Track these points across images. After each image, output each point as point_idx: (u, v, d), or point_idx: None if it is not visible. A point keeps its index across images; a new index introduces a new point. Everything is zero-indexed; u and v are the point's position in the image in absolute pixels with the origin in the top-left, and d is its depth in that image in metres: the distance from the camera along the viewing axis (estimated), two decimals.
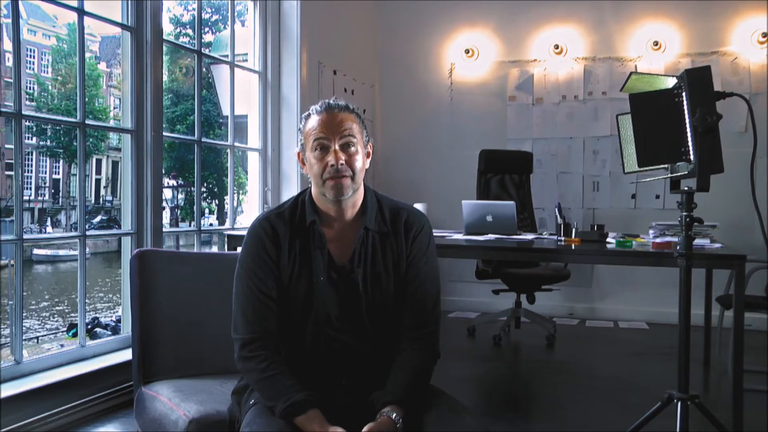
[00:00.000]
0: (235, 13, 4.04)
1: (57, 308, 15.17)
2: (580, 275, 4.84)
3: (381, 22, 5.57)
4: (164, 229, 3.26)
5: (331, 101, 1.54)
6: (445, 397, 1.52)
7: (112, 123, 18.59)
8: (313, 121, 1.53)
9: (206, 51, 4.14)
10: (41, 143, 22.23)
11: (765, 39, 4.74)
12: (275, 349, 1.51)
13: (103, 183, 24.38)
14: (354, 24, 5.19)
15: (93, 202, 23.12)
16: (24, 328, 3.02)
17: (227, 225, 4.11)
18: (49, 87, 22.52)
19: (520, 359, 4.24)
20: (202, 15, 6.28)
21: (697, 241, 2.44)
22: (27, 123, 12.44)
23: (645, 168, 2.05)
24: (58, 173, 23.04)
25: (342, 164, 1.48)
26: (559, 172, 5.22)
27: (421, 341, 1.53)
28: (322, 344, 1.52)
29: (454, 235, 3.19)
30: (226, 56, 3.95)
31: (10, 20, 2.56)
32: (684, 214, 2.09)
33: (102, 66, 23.97)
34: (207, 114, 18.31)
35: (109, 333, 8.49)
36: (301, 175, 4.17)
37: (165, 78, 3.44)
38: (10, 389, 2.43)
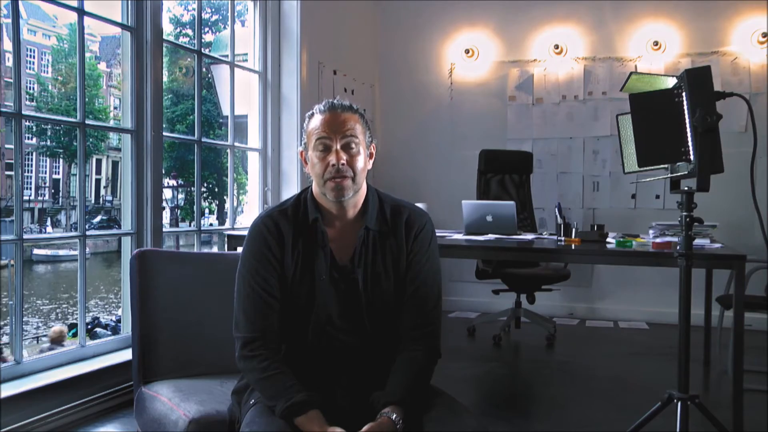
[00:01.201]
0: (235, 13, 4.04)
1: (57, 308, 15.17)
2: (580, 275, 4.84)
3: (381, 22, 5.57)
4: (164, 229, 3.26)
5: (335, 101, 1.54)
6: (445, 397, 1.52)
7: (112, 123, 18.59)
8: (316, 120, 1.53)
9: (206, 51, 4.14)
10: (41, 143, 22.23)
11: (765, 39, 4.74)
12: (276, 349, 1.51)
13: (103, 183, 24.39)
14: (354, 24, 5.19)
15: (93, 202, 23.13)
16: (24, 328, 3.02)
17: (227, 225, 4.11)
18: (49, 87, 22.53)
19: (520, 359, 4.24)
20: (202, 15, 6.28)
21: (697, 241, 2.45)
22: (27, 123, 12.43)
23: (645, 168, 2.05)
24: (58, 173, 23.05)
25: (343, 164, 1.48)
26: (559, 172, 5.22)
27: (422, 341, 1.53)
28: (322, 343, 1.52)
29: (454, 235, 3.19)
30: (226, 56, 3.94)
31: (10, 20, 2.56)
32: (684, 214, 2.09)
33: (102, 66, 23.98)
34: (207, 114, 18.31)
35: (109, 333, 8.51)
36: (302, 175, 4.17)
37: (165, 78, 3.44)
38: (10, 389, 2.43)
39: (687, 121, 1.95)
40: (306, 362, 1.52)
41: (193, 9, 21.86)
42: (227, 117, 3.99)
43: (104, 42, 23.85)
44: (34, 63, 22.34)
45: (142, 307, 1.96)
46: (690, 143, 1.94)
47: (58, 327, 8.13)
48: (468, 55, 5.38)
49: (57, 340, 7.28)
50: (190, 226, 18.49)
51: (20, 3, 2.83)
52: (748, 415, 2.38)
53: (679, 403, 2.10)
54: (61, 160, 22.78)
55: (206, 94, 16.49)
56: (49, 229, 21.78)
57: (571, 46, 5.18)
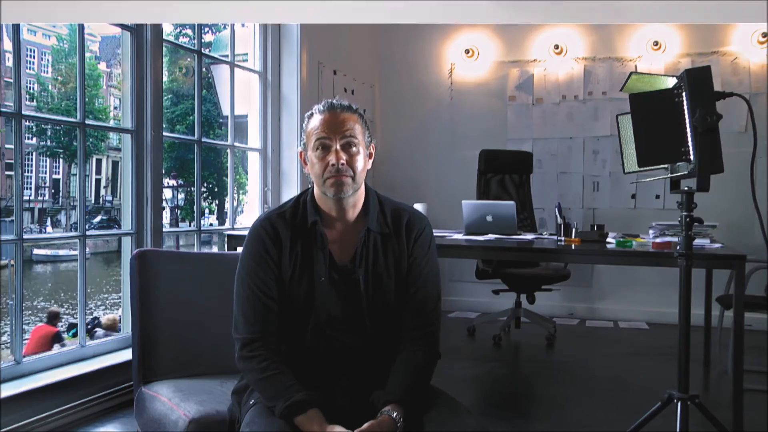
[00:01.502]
0: None
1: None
2: (580, 275, 4.84)
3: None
4: (164, 229, 3.26)
5: (334, 101, 1.54)
6: (445, 397, 1.53)
7: (112, 123, 18.60)
8: (316, 120, 1.53)
9: (206, 51, 4.14)
10: (41, 143, 22.24)
11: (765, 39, 4.74)
12: (276, 349, 1.50)
13: (103, 183, 24.40)
14: (354, 24, 5.18)
15: (93, 202, 23.14)
16: (24, 328, 3.02)
17: (227, 225, 4.11)
18: (49, 87, 22.54)
19: (520, 359, 4.24)
20: None
21: (697, 241, 2.44)
22: (27, 123, 12.43)
23: (645, 168, 2.05)
24: (58, 173, 23.06)
25: (343, 164, 1.48)
26: (559, 172, 5.22)
27: (422, 341, 1.53)
28: (322, 344, 1.52)
29: (454, 235, 3.19)
30: (226, 56, 3.94)
31: None
32: (684, 214, 2.09)
33: (102, 66, 23.99)
34: (207, 114, 18.30)
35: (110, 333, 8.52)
36: (302, 175, 4.17)
37: (165, 78, 3.44)
38: (10, 389, 2.43)
39: (687, 121, 1.95)
40: (306, 363, 1.52)
41: None
42: (227, 117, 3.98)
43: (104, 42, 23.86)
44: (34, 63, 22.35)
45: (142, 307, 1.96)
46: (690, 143, 1.94)
47: (112, 315, 8.42)
48: (468, 55, 5.38)
49: (111, 327, 7.66)
50: (190, 226, 18.50)
51: None
52: (748, 415, 2.38)
53: (679, 403, 2.10)
54: (61, 160, 22.80)
55: (206, 94, 16.49)
56: (49, 229, 21.79)
57: (571, 46, 5.18)
